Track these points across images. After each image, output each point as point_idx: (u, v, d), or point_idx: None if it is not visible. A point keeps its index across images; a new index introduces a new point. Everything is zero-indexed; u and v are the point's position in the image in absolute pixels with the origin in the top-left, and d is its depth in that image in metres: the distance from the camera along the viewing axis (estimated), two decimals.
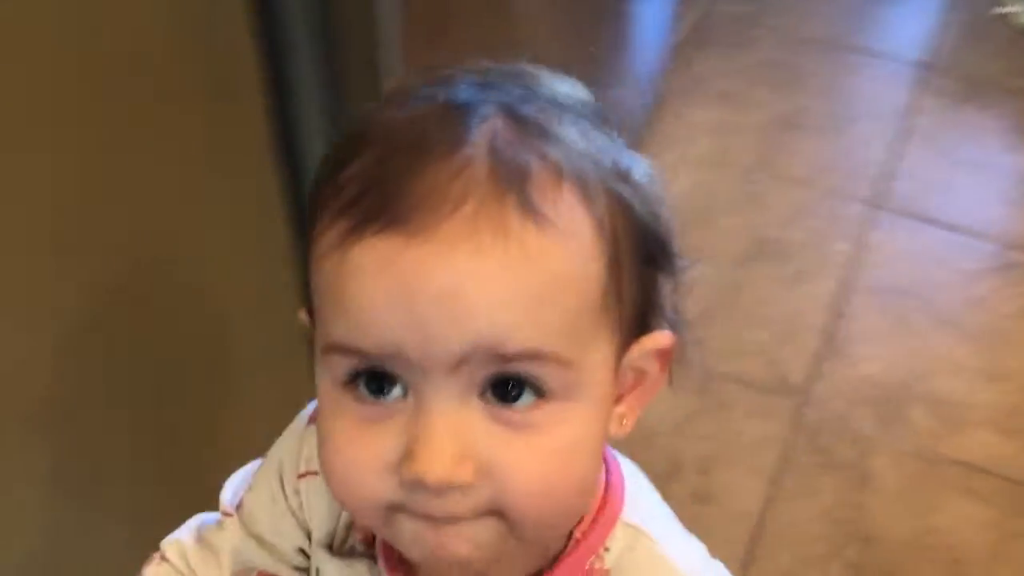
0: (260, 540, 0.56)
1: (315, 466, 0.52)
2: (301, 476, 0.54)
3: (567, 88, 0.45)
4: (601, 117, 0.44)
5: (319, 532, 0.54)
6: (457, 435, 0.39)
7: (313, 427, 0.52)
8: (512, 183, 0.38)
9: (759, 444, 1.41)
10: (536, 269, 0.38)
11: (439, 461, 0.38)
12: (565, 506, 0.43)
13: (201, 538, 0.58)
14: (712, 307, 1.63)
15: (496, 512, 0.41)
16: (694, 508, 1.33)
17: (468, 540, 0.41)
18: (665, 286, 0.46)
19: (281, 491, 0.55)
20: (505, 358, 0.38)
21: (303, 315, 0.46)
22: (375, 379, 0.40)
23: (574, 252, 0.39)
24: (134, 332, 0.77)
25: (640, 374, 0.46)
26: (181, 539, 0.58)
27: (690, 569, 0.49)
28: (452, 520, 0.40)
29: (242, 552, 0.56)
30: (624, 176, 0.42)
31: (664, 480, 1.34)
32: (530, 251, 0.37)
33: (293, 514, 0.55)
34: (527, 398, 0.40)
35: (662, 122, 1.85)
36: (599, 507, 0.48)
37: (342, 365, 0.40)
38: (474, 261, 0.37)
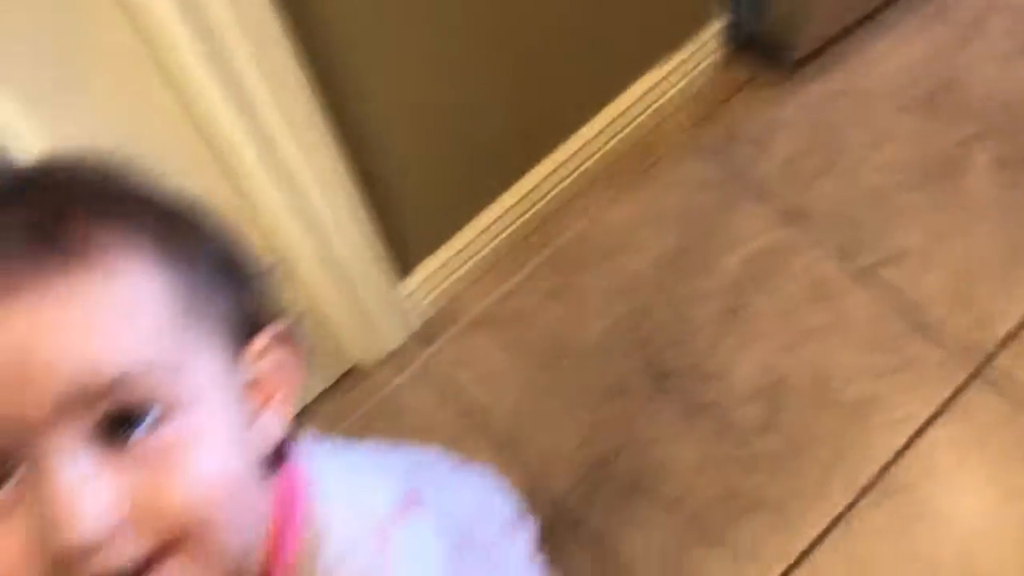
0: None
1: None
2: None
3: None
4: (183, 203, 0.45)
5: None
6: (95, 483, 0.37)
7: None
8: None
9: None
10: None
11: (83, 517, 0.36)
12: (232, 506, 0.42)
13: None
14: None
15: (172, 546, 0.39)
16: None
17: None
18: (257, 292, 0.47)
19: None
20: (101, 394, 0.38)
21: None
22: None
23: None
24: None
25: (278, 365, 0.47)
26: None
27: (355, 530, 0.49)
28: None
29: None
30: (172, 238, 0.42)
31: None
32: None
33: None
34: (147, 422, 0.39)
35: None
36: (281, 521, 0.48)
37: None
38: None
